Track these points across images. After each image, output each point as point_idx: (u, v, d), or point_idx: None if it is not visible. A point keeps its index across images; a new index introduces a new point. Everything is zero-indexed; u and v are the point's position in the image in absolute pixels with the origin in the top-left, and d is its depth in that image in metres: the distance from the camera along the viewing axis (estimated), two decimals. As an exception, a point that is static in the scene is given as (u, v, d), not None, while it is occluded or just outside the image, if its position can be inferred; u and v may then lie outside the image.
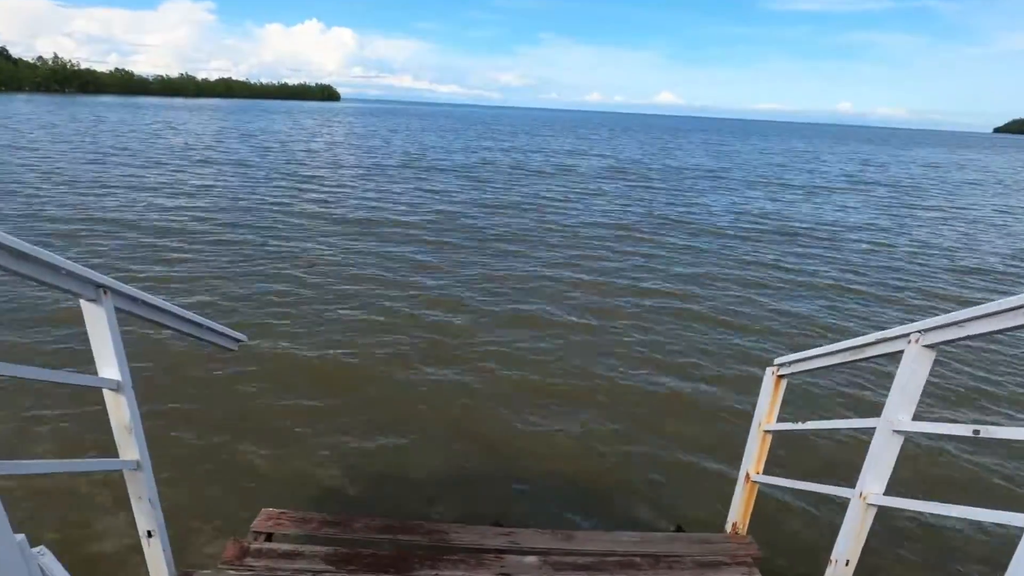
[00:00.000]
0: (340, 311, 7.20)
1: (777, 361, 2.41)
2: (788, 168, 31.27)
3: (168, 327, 1.96)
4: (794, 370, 2.32)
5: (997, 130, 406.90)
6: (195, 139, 30.28)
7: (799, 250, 11.82)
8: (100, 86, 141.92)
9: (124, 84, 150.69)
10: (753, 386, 2.83)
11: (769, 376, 2.45)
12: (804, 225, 14.50)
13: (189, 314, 2.00)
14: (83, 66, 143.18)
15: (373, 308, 7.36)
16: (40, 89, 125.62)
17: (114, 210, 12.13)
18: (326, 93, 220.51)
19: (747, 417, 2.68)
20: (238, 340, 2.39)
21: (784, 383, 2.44)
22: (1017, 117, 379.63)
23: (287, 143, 31.19)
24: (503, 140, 42.99)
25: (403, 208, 14.02)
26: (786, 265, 10.52)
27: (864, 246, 12.49)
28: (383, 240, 10.88)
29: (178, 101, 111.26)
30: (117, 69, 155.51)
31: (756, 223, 14.43)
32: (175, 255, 9.21)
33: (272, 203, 13.87)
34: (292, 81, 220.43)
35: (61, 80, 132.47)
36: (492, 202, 15.52)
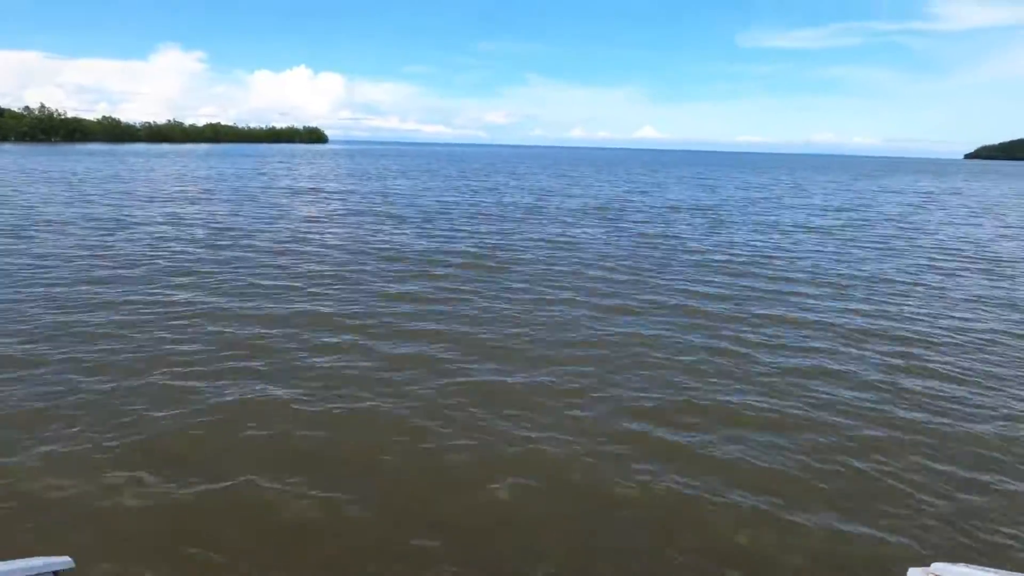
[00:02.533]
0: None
1: (938, 568, 1.66)
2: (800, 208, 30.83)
3: None
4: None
5: (968, 156, 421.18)
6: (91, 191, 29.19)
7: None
8: (87, 134, 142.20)
9: (111, 132, 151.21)
10: None
11: None
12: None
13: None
14: (70, 115, 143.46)
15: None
16: (25, 138, 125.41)
17: None
18: (313, 136, 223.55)
19: None
20: (58, 571, 1.65)
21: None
22: (985, 144, 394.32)
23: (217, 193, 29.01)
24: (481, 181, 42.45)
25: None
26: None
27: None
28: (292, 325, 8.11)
29: (159, 148, 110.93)
30: (104, 117, 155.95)
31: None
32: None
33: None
34: (280, 124, 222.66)
35: (47, 129, 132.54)
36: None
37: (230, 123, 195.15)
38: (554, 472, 4.76)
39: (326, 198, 25.94)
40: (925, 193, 40.14)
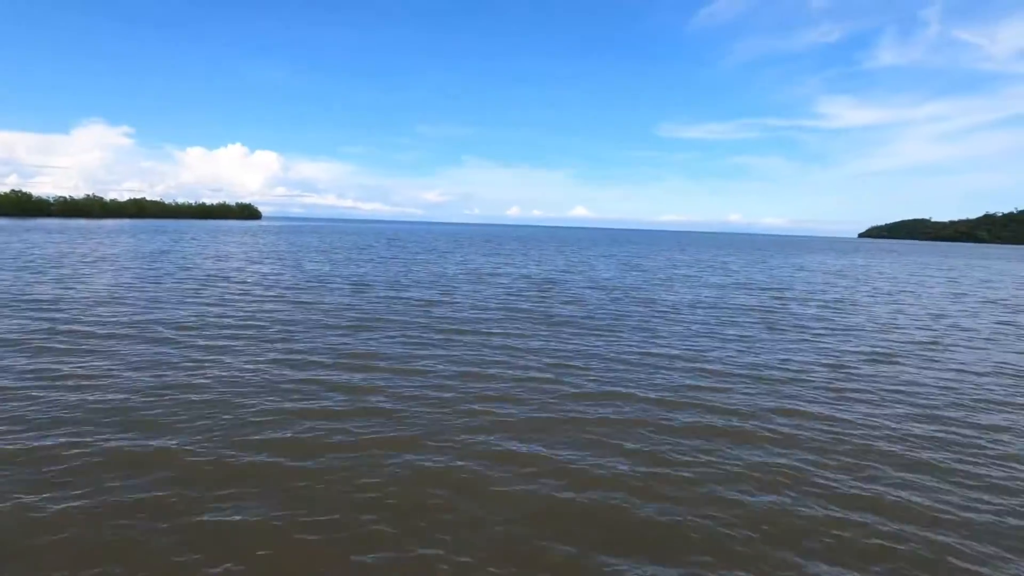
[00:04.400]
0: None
1: None
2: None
3: None
4: None
5: (861, 235, 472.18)
6: None
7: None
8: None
9: (20, 206, 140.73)
10: None
11: None
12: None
13: None
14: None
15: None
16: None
17: None
18: (246, 212, 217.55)
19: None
20: None
21: None
22: (874, 224, 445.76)
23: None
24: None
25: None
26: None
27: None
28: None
29: (67, 223, 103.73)
30: (13, 191, 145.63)
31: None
32: None
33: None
34: (211, 201, 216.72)
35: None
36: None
37: (156, 198, 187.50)
38: None
39: (222, 283, 24.18)
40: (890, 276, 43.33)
